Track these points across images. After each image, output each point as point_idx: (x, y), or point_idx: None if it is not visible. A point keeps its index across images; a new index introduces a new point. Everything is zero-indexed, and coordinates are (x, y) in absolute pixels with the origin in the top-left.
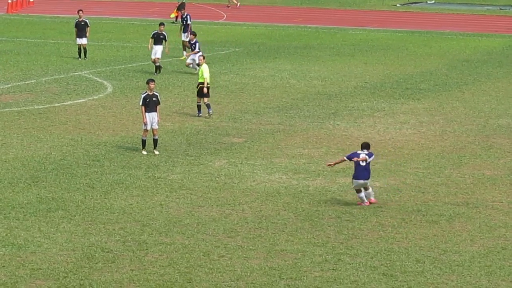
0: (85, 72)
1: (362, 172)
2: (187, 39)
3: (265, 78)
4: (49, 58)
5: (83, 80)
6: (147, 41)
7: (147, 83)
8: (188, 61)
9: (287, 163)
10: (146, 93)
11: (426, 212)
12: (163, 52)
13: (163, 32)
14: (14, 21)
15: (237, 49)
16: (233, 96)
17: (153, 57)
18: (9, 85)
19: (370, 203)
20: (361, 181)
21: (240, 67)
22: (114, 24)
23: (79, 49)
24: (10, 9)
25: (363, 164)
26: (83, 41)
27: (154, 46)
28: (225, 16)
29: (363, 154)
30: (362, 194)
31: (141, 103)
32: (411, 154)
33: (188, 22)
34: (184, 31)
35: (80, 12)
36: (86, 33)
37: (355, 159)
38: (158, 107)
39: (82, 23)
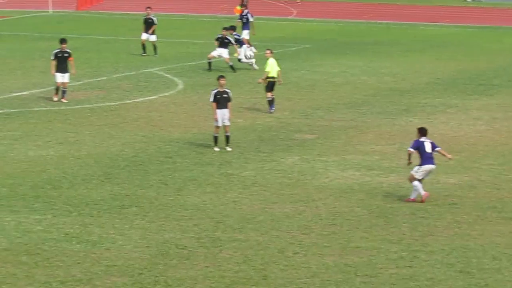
0: (156, 69)
1: (430, 159)
2: (248, 37)
3: (336, 74)
4: (119, 55)
5: (154, 77)
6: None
7: (218, 79)
8: (241, 58)
9: (360, 160)
10: (217, 90)
11: (501, 208)
12: (229, 53)
13: (227, 36)
14: (84, 18)
15: (307, 46)
16: (304, 92)
17: (213, 54)
18: (80, 82)
19: (411, 200)
20: (432, 166)
21: (311, 63)
22: (184, 20)
23: (143, 44)
24: (79, 6)
25: (430, 151)
26: (152, 38)
27: (218, 48)
28: (294, 12)
29: (427, 142)
30: (421, 186)
31: (212, 100)
32: (485, 150)
33: (250, 19)
34: (244, 29)
35: (148, 9)
36: (152, 30)
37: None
38: (229, 103)
39: (149, 20)
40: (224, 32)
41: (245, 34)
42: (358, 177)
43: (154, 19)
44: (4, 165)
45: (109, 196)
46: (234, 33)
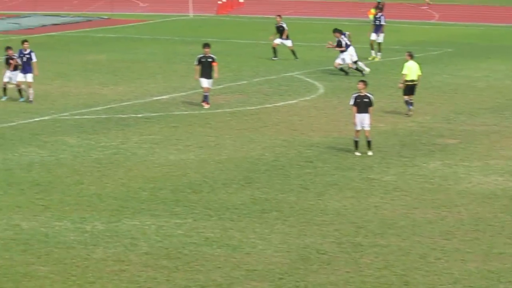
0: (296, 73)
1: None
2: (380, 41)
3: (479, 78)
4: (260, 59)
5: (295, 81)
6: (357, 41)
7: (358, 83)
8: (339, 61)
9: (503, 165)
10: (358, 94)
11: None
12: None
13: (340, 39)
14: (224, 22)
15: (449, 50)
16: (447, 97)
17: (338, 61)
18: (221, 86)
19: None
20: None
21: (453, 67)
22: (324, 24)
23: (274, 48)
24: (220, 10)
25: None
26: (287, 43)
27: (340, 55)
28: (437, 16)
29: None
30: None
31: (352, 103)
32: None
33: (382, 22)
34: (375, 32)
35: (278, 17)
36: (285, 36)
37: None
38: (370, 108)
39: (281, 28)
40: (337, 34)
41: (379, 38)
42: (501, 182)
43: (284, 25)
44: (145, 169)
45: (249, 200)
46: (342, 36)
